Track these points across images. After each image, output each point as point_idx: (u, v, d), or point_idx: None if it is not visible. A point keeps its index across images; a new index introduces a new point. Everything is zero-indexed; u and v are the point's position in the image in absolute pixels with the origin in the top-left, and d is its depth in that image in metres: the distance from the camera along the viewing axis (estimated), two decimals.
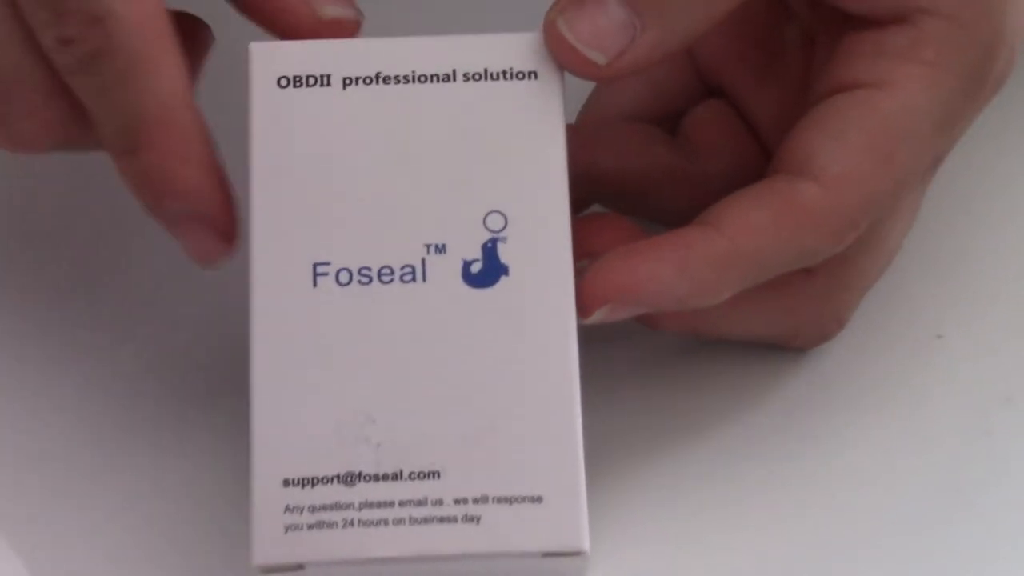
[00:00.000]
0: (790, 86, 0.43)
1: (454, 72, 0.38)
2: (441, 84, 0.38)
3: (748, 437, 0.42)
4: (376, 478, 0.36)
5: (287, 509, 0.36)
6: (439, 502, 0.36)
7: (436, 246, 0.37)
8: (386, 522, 0.36)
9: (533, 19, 0.38)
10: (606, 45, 0.38)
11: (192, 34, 0.39)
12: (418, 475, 0.36)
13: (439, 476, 0.36)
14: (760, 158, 0.43)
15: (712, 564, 0.41)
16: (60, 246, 0.46)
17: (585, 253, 0.38)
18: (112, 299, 0.45)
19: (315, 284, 0.37)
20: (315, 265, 0.37)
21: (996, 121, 0.43)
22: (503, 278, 0.37)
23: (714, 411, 0.43)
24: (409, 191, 0.38)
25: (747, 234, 0.38)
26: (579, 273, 0.38)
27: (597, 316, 0.38)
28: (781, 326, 0.42)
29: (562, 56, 0.38)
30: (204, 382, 0.43)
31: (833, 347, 0.43)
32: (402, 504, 0.36)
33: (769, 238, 0.38)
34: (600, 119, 0.45)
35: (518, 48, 0.38)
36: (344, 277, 0.37)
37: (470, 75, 0.38)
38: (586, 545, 0.36)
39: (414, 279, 0.37)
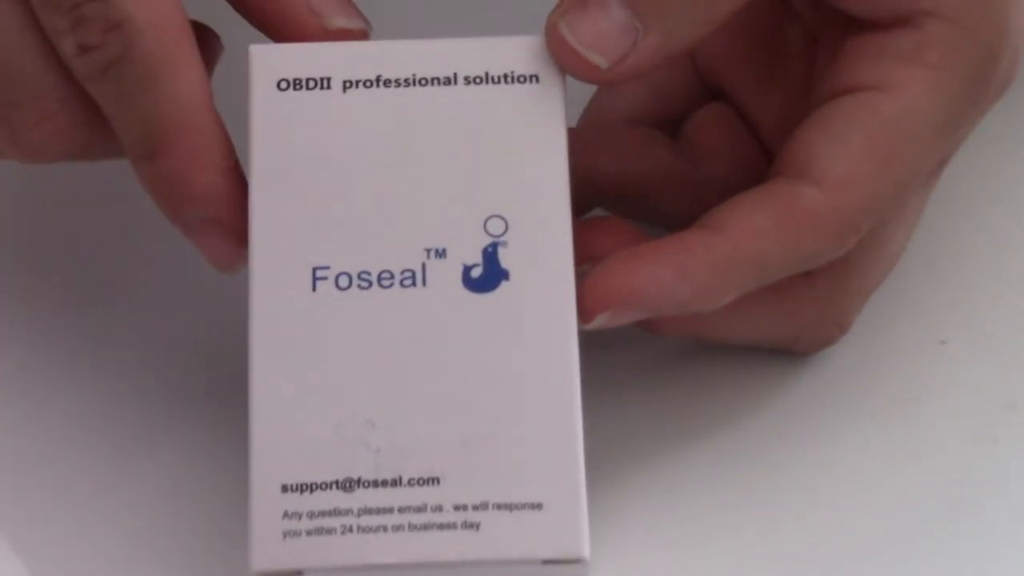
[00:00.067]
0: (792, 88, 0.42)
1: (455, 75, 0.38)
2: (442, 87, 0.38)
3: (749, 442, 0.42)
4: (375, 484, 0.36)
5: (285, 515, 0.36)
6: (438, 508, 0.36)
7: (436, 250, 0.37)
8: (385, 528, 0.36)
9: (534, 23, 0.38)
10: (608, 48, 0.38)
11: (202, 42, 0.39)
12: (417, 481, 0.36)
13: (439, 482, 0.36)
14: (761, 161, 0.42)
15: (713, 570, 0.40)
16: (60, 252, 0.46)
17: (586, 257, 0.38)
18: (112, 303, 0.45)
19: (314, 288, 0.37)
20: (315, 269, 0.37)
21: (1000, 124, 0.43)
22: (504, 283, 0.37)
23: (715, 416, 0.43)
24: (409, 195, 0.37)
25: (748, 237, 0.38)
26: (580, 277, 0.38)
27: (598, 321, 0.38)
28: (782, 330, 0.42)
29: (564, 59, 0.38)
30: (203, 386, 0.43)
31: (835, 352, 0.43)
32: (401, 510, 0.36)
33: (770, 241, 0.38)
34: (601, 123, 0.44)
35: (519, 51, 0.38)
36: (344, 281, 0.37)
37: (471, 78, 0.38)
38: (586, 552, 0.36)
39: (414, 284, 0.37)
